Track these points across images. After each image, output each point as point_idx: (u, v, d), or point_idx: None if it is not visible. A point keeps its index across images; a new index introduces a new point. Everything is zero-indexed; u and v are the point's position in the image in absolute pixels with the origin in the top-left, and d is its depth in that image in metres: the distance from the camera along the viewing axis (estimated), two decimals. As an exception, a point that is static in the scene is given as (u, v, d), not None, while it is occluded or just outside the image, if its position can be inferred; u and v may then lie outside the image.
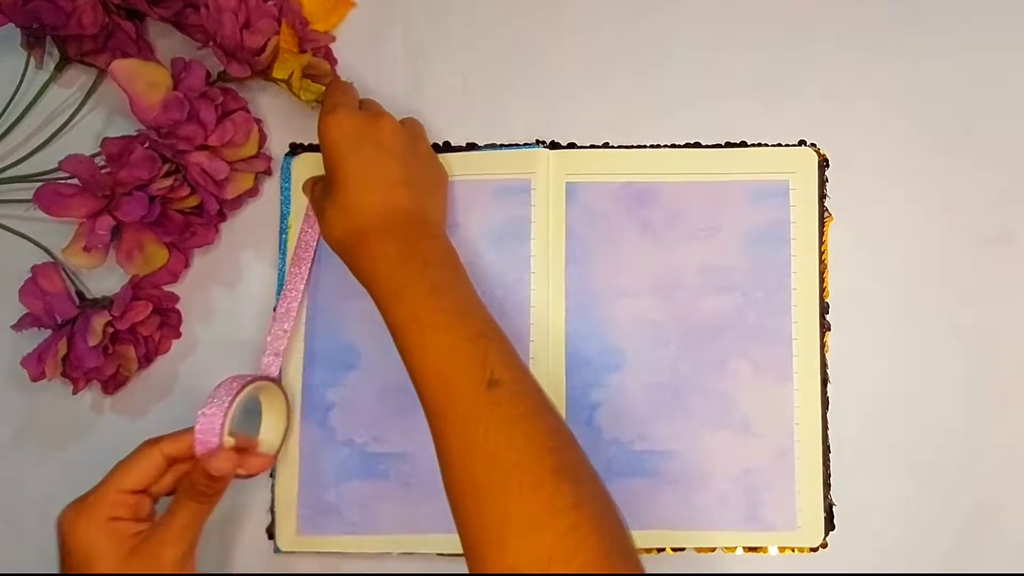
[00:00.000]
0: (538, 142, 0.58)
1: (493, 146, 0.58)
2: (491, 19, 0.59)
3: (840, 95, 0.58)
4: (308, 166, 0.58)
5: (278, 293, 0.57)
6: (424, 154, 0.55)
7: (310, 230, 0.57)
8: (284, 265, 0.57)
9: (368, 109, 0.54)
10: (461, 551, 0.54)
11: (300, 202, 0.58)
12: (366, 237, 0.49)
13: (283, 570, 0.56)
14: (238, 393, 0.49)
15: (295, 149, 0.58)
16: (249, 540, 0.56)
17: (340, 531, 0.56)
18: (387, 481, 0.56)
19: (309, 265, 0.56)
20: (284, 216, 0.58)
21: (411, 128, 0.55)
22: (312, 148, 0.58)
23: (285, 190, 0.58)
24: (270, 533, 0.56)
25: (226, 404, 0.49)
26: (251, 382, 0.51)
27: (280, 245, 0.58)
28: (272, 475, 0.56)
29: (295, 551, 0.56)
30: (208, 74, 0.54)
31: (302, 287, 0.56)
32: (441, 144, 0.58)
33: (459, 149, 0.58)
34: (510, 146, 0.58)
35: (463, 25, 0.59)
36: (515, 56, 0.59)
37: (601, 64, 0.59)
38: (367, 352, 0.56)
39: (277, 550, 0.56)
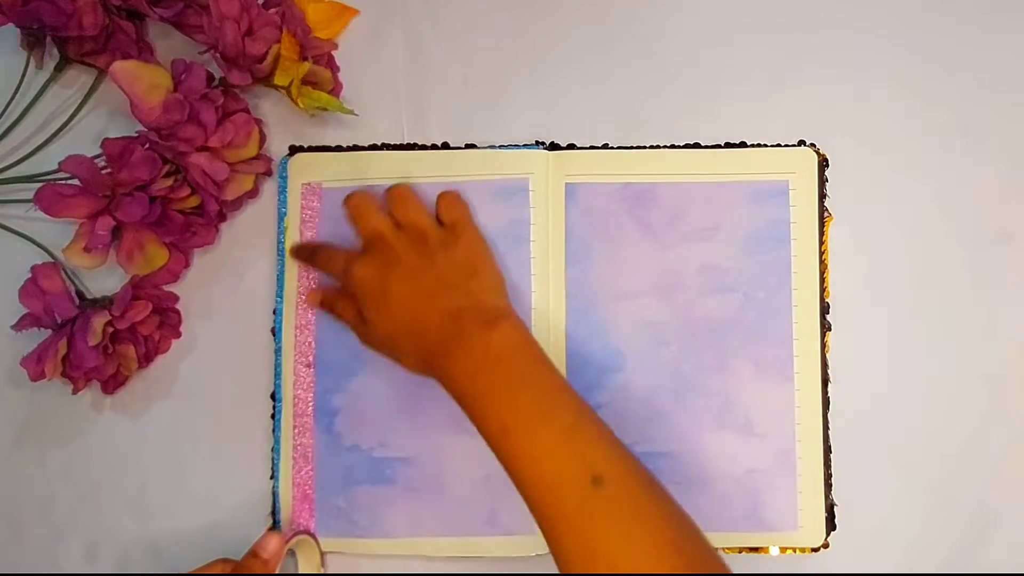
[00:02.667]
0: (537, 143, 0.58)
1: (492, 147, 0.58)
2: (491, 20, 0.60)
3: (839, 95, 0.58)
4: (303, 167, 0.58)
5: (278, 295, 0.57)
6: (463, 239, 0.54)
7: (313, 237, 0.58)
8: (283, 266, 0.58)
9: (399, 209, 0.54)
10: (468, 554, 0.55)
11: (296, 203, 0.58)
12: (432, 360, 0.49)
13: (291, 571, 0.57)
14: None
15: (294, 151, 0.59)
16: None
17: (350, 535, 0.56)
18: (394, 486, 0.57)
19: (316, 275, 0.57)
20: (281, 217, 0.58)
21: (454, 224, 0.54)
22: (312, 149, 0.59)
23: (282, 191, 0.58)
24: None
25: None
26: (292, 537, 0.54)
27: (278, 246, 0.58)
28: (272, 478, 0.57)
29: None
30: (209, 75, 0.54)
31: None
32: (440, 144, 0.58)
33: (457, 150, 0.59)
34: (509, 147, 0.58)
35: (463, 26, 0.60)
36: (515, 57, 0.60)
37: (601, 65, 0.59)
38: (371, 358, 0.56)
39: (291, 553, 0.56)
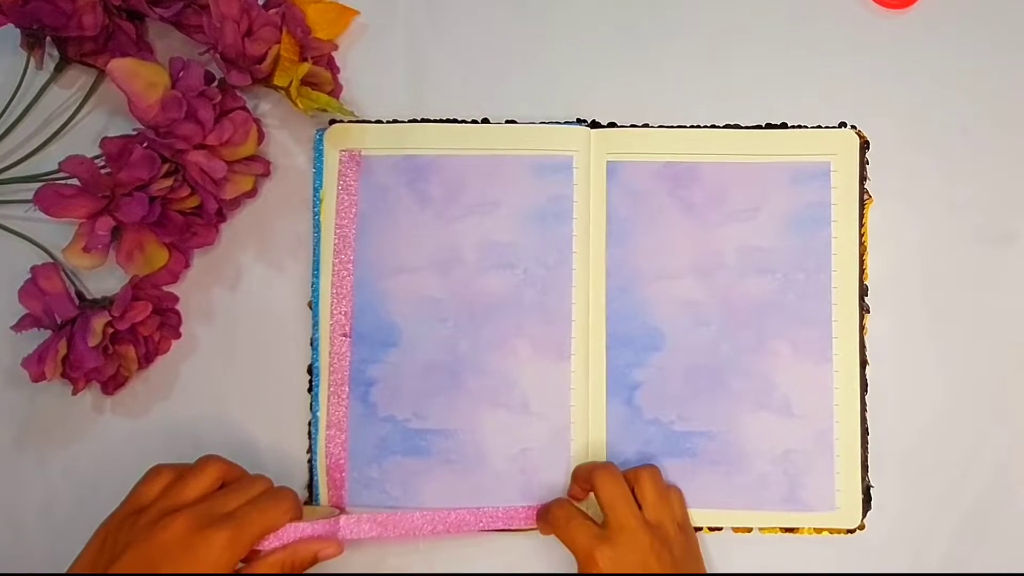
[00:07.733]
0: (579, 120, 0.60)
1: (533, 123, 0.60)
2: (492, 21, 0.61)
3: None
4: (342, 136, 0.59)
5: (315, 269, 0.58)
6: (694, 548, 0.54)
7: (347, 211, 0.59)
8: (319, 239, 0.59)
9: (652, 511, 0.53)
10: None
11: (334, 172, 0.59)
12: None
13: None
14: None
15: (332, 123, 0.60)
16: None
17: (382, 506, 0.57)
18: (428, 457, 0.58)
19: (354, 245, 0.58)
20: (316, 189, 0.59)
21: (684, 527, 0.55)
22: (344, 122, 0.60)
23: (318, 162, 0.59)
24: None
25: None
26: None
27: (313, 218, 0.59)
28: (310, 451, 0.58)
29: None
30: (209, 76, 0.55)
31: (351, 267, 0.58)
32: (480, 120, 0.59)
33: (498, 124, 0.60)
34: (551, 123, 0.59)
35: (464, 27, 0.61)
36: (515, 58, 0.61)
37: (603, 64, 0.60)
38: (408, 330, 0.58)
39: None
